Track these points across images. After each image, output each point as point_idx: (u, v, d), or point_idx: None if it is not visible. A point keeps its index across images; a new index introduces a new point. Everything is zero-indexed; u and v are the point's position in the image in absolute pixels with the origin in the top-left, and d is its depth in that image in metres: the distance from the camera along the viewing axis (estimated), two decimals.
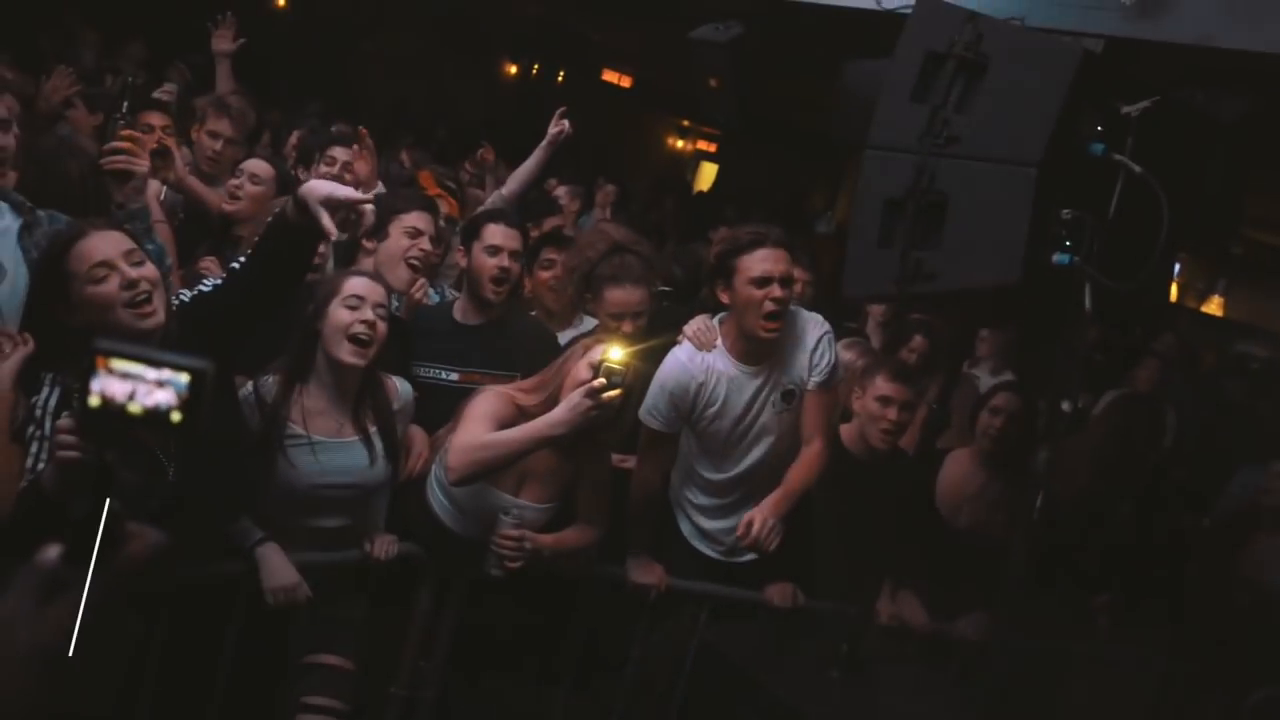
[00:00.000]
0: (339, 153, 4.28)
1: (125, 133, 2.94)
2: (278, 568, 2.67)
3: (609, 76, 13.45)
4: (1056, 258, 2.51)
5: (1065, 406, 2.50)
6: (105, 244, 2.28)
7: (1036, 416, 3.53)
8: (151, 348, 1.03)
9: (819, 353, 3.12)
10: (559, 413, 2.71)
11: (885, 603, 3.39)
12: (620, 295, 3.24)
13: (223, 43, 4.95)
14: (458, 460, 2.75)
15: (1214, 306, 11.84)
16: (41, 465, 2.10)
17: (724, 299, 3.06)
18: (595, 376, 2.66)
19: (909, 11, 5.17)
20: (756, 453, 3.19)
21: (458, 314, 3.44)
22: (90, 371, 1.00)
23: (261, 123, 4.93)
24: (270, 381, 2.79)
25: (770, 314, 2.98)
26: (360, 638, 2.93)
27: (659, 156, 15.38)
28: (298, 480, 2.75)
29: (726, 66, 6.41)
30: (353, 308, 2.72)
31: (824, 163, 13.26)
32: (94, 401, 0.99)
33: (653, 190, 11.04)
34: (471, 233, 3.46)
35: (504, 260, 3.35)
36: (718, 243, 3.03)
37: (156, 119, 3.94)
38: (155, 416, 1.00)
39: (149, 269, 2.32)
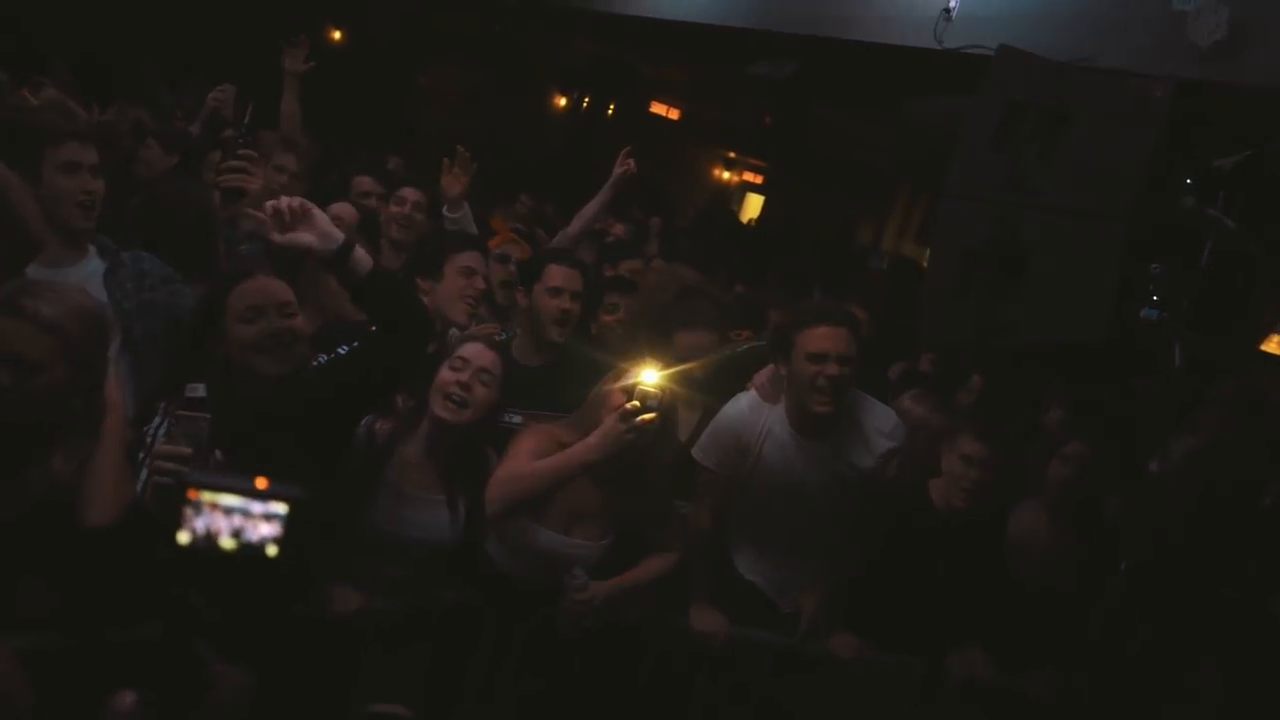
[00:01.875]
0: (409, 193, 4.31)
1: (241, 152, 3.03)
2: (346, 595, 2.67)
3: (657, 108, 13.53)
4: (1145, 313, 2.44)
5: (1154, 467, 2.41)
6: (265, 290, 2.38)
7: (1109, 466, 3.45)
8: (241, 482, 0.95)
9: (880, 446, 3.05)
10: (592, 438, 2.67)
11: (954, 657, 3.30)
12: (692, 339, 3.18)
13: (294, 62, 4.97)
14: (493, 494, 2.73)
15: (1274, 345, 11.55)
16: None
17: (782, 371, 3.00)
18: (629, 400, 2.62)
19: (975, 50, 5.17)
20: (794, 517, 3.14)
21: (517, 354, 3.42)
22: (180, 504, 0.93)
23: (327, 159, 4.97)
24: (381, 426, 2.79)
25: (824, 389, 2.90)
26: (421, 685, 2.90)
27: (705, 188, 15.40)
28: (374, 523, 2.74)
29: (782, 104, 6.44)
30: (456, 369, 2.72)
31: (870, 197, 13.24)
32: (183, 539, 0.93)
33: (699, 222, 11.05)
34: (532, 273, 3.44)
35: (565, 302, 3.32)
36: (780, 316, 2.98)
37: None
38: (250, 551, 0.93)
39: (297, 322, 2.40)
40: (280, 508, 0.93)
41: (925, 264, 12.22)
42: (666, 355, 3.14)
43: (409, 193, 4.28)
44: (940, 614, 3.19)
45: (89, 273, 2.70)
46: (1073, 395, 3.88)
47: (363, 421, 2.75)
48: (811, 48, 6.42)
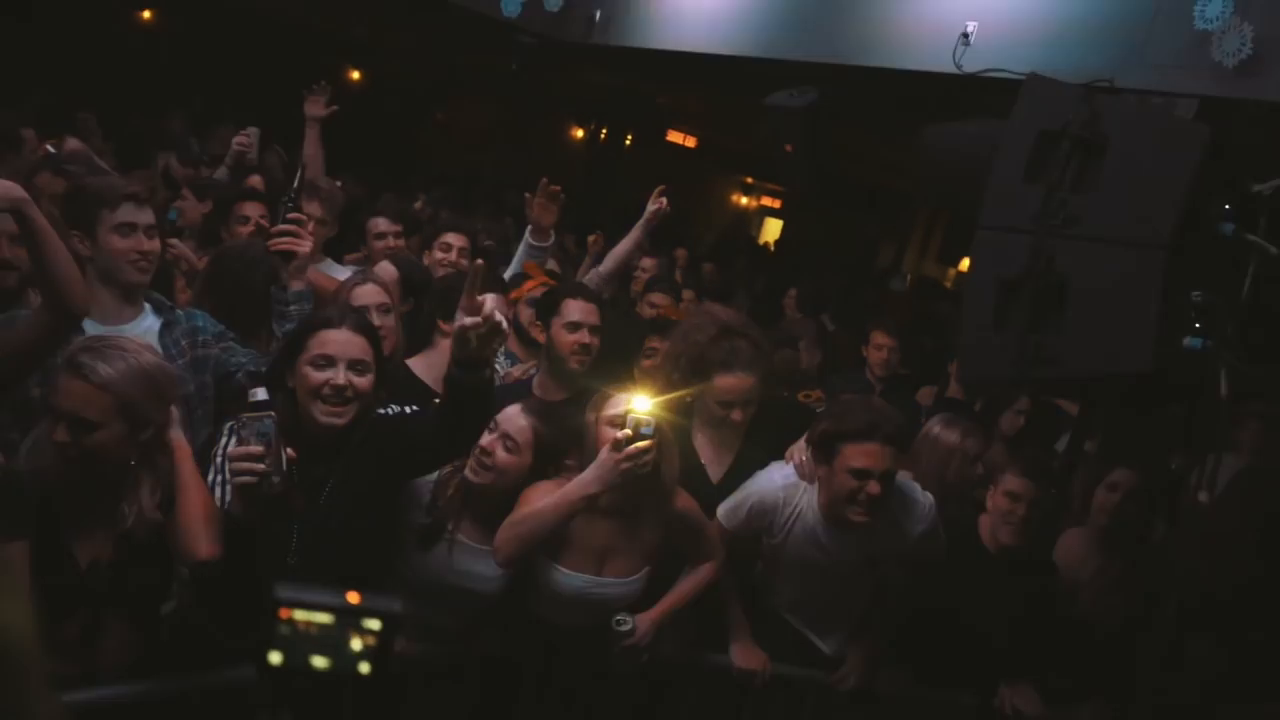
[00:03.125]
0: (452, 238, 4.33)
1: (291, 215, 3.06)
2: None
3: (674, 137, 13.60)
4: (1188, 342, 2.40)
5: (1203, 497, 2.37)
6: (342, 343, 2.43)
7: (1155, 494, 3.40)
8: (332, 594, 0.91)
9: (914, 532, 2.98)
10: (588, 473, 2.62)
11: (1003, 691, 3.24)
12: (731, 382, 3.06)
13: (315, 108, 5.03)
14: (499, 540, 2.70)
15: None
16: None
17: (820, 475, 2.91)
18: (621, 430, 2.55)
19: (998, 74, 5.16)
20: (824, 587, 3.10)
21: (539, 390, 3.41)
22: (272, 625, 0.91)
23: (352, 202, 5.01)
24: (446, 477, 2.80)
25: (863, 504, 2.83)
26: None
27: (724, 213, 15.44)
28: (425, 571, 2.75)
29: (801, 132, 6.43)
30: (490, 430, 2.74)
31: (890, 217, 13.24)
32: (275, 659, 0.91)
33: (718, 248, 11.08)
34: (550, 308, 3.43)
35: (584, 336, 3.31)
36: (827, 423, 2.88)
37: (253, 209, 4.05)
38: (343, 669, 0.91)
39: (365, 380, 2.44)
40: (373, 623, 0.91)
41: (948, 283, 12.19)
42: (705, 398, 3.11)
43: (454, 238, 4.30)
44: (989, 648, 3.15)
45: (144, 329, 2.77)
46: (1109, 423, 3.85)
47: (436, 474, 2.78)
48: (829, 76, 6.43)
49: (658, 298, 4.84)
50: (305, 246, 3.08)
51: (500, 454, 2.72)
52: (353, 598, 0.89)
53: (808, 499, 2.96)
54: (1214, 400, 2.43)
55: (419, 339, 3.54)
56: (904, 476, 3.04)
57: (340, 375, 2.40)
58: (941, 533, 3.03)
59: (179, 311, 2.87)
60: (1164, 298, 2.39)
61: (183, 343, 2.81)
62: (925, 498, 3.00)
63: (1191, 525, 2.44)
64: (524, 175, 11.39)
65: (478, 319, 2.19)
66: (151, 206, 2.79)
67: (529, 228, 4.24)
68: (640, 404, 2.57)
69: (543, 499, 2.72)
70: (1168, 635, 2.47)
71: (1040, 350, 2.57)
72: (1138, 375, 2.45)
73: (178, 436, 2.28)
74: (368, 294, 3.41)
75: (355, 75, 12.00)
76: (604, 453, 2.59)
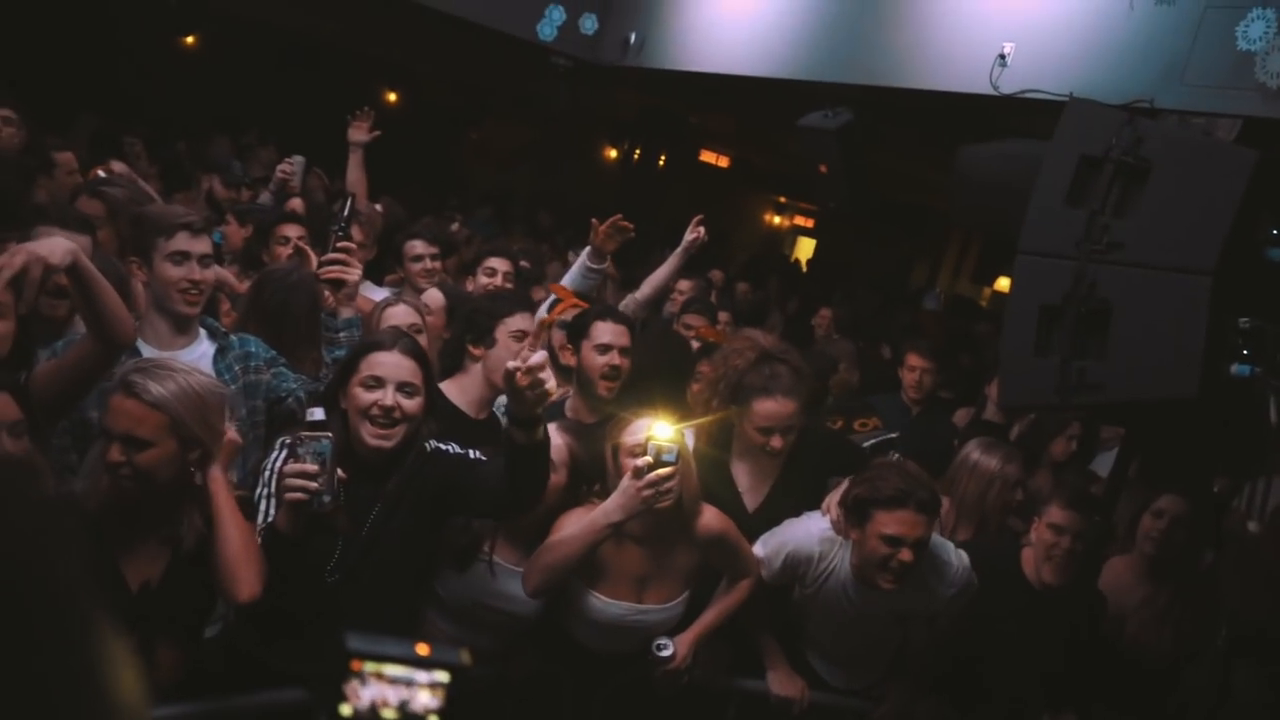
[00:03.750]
0: (497, 263, 4.36)
1: (341, 244, 3.11)
2: None
3: (706, 156, 13.64)
4: (1235, 369, 2.37)
5: (1252, 527, 2.34)
6: (390, 363, 2.46)
7: (1203, 521, 3.34)
8: (405, 650, 0.94)
9: (945, 594, 2.95)
10: (610, 501, 2.59)
11: None
12: (771, 407, 3.02)
13: (358, 134, 5.13)
14: (527, 570, 2.70)
15: None
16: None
17: (852, 537, 2.87)
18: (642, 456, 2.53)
19: (1035, 95, 5.13)
20: (853, 639, 3.08)
21: (570, 413, 3.42)
22: (343, 676, 0.93)
23: (393, 224, 5.08)
24: None
25: (894, 571, 2.79)
26: None
27: (756, 233, 15.44)
28: (463, 592, 2.77)
29: (836, 152, 6.43)
30: None
31: (923, 236, 13.17)
32: (346, 711, 0.92)
33: (750, 266, 11.06)
34: (579, 331, 3.43)
35: (614, 358, 3.32)
36: (862, 488, 2.83)
37: (293, 230, 4.14)
38: None
39: (413, 403, 2.46)
40: (442, 675, 0.92)
41: (983, 302, 12.08)
42: (744, 424, 3.10)
43: (498, 263, 4.35)
44: (1033, 680, 3.11)
45: (199, 355, 2.82)
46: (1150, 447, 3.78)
47: None
48: (863, 96, 6.42)
49: (693, 319, 4.84)
50: (355, 275, 3.13)
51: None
52: (422, 649, 0.90)
53: (843, 554, 2.92)
54: (1263, 427, 2.40)
55: (451, 363, 3.58)
56: (939, 537, 2.99)
57: (389, 396, 2.43)
58: (975, 588, 2.97)
59: (232, 337, 2.92)
60: (1210, 324, 2.36)
61: (236, 368, 2.85)
62: (959, 559, 2.95)
63: (1239, 553, 2.39)
64: (558, 195, 11.54)
65: (520, 365, 2.18)
66: (208, 235, 2.84)
67: (587, 249, 4.28)
68: (661, 430, 2.53)
69: (563, 524, 2.72)
70: (1216, 666, 2.42)
71: (1083, 376, 2.55)
72: (1183, 402, 2.42)
73: (216, 473, 2.30)
74: (399, 315, 3.46)
75: (392, 97, 12.15)
76: (625, 481, 2.57)
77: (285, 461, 2.36)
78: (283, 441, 2.47)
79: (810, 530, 2.97)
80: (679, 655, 2.84)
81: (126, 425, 2.15)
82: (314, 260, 3.95)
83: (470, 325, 3.16)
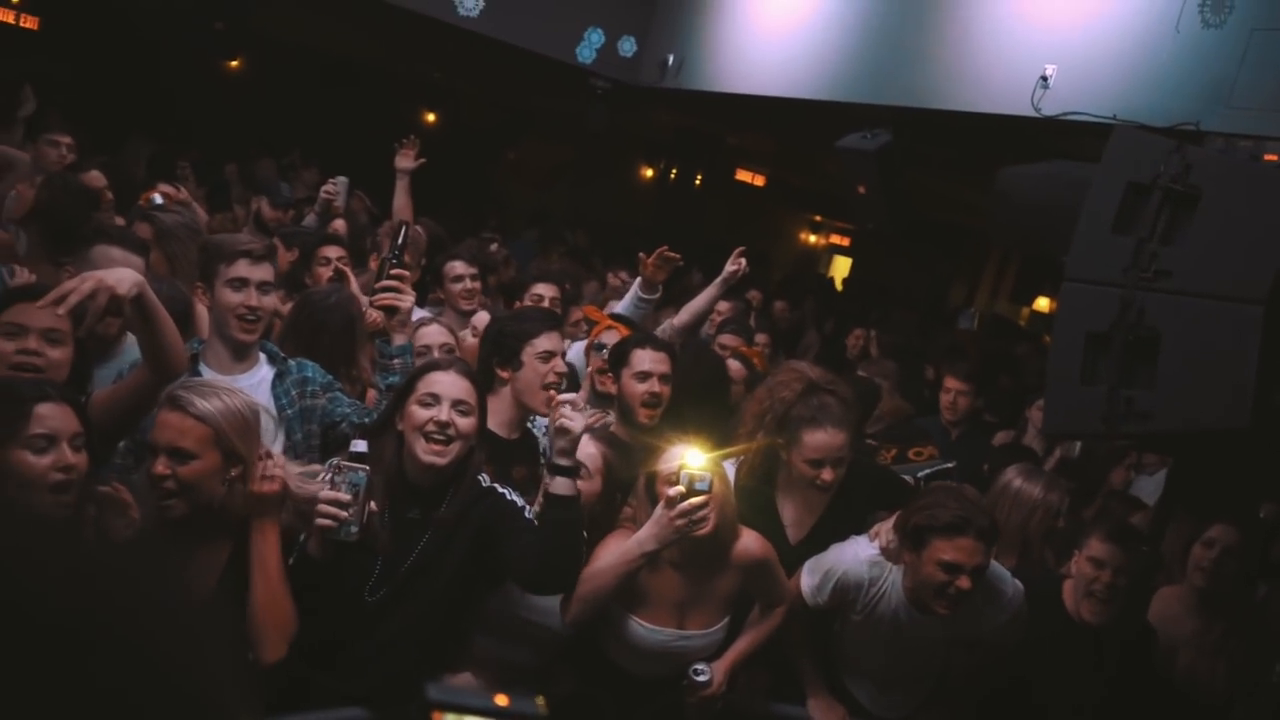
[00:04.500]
0: (544, 289, 4.41)
1: (394, 272, 3.15)
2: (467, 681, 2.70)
3: (742, 176, 13.65)
4: None
5: None
6: (447, 381, 2.53)
7: (1251, 550, 3.28)
8: (481, 695, 0.93)
9: (997, 621, 2.92)
10: (644, 530, 2.60)
11: None
12: (820, 439, 2.98)
13: (405, 161, 5.20)
14: (564, 601, 2.70)
15: None
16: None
17: (906, 561, 2.84)
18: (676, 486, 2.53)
19: (1078, 118, 5.09)
20: (899, 664, 3.05)
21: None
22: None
23: (435, 244, 5.13)
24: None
25: (951, 598, 2.76)
26: None
27: (792, 252, 15.42)
28: (504, 607, 2.79)
29: (875, 173, 6.42)
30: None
31: (961, 256, 13.08)
32: None
33: (786, 284, 11.03)
34: (620, 359, 3.45)
35: (654, 385, 3.33)
36: (919, 516, 2.79)
37: (333, 251, 4.21)
38: None
39: (467, 422, 2.51)
40: None
41: (1021, 322, 11.95)
42: (793, 457, 3.07)
43: (544, 289, 4.41)
44: (1075, 712, 3.06)
45: (258, 380, 2.88)
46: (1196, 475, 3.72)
47: None
48: (902, 117, 6.41)
49: (727, 339, 4.86)
50: (408, 302, 3.16)
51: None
52: (501, 700, 0.92)
53: (894, 578, 2.90)
54: None
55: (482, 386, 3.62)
56: (995, 563, 2.94)
57: (444, 412, 2.48)
58: (1026, 616, 2.94)
59: (291, 362, 2.97)
60: (1262, 354, 2.33)
61: (293, 392, 2.90)
62: (1013, 586, 2.91)
63: None
64: (593, 214, 11.59)
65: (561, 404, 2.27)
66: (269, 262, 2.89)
67: (639, 280, 4.34)
68: (694, 458, 2.53)
69: (603, 550, 2.73)
70: (1271, 701, 2.37)
71: (1131, 405, 2.52)
72: (1235, 433, 2.39)
73: (266, 526, 2.33)
74: (432, 335, 3.51)
75: (431, 117, 12.30)
76: (659, 510, 2.58)
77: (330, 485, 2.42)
78: (331, 463, 2.53)
79: (859, 555, 2.95)
80: (715, 681, 2.83)
81: (171, 437, 2.22)
82: (353, 281, 4.02)
83: (497, 348, 3.17)
